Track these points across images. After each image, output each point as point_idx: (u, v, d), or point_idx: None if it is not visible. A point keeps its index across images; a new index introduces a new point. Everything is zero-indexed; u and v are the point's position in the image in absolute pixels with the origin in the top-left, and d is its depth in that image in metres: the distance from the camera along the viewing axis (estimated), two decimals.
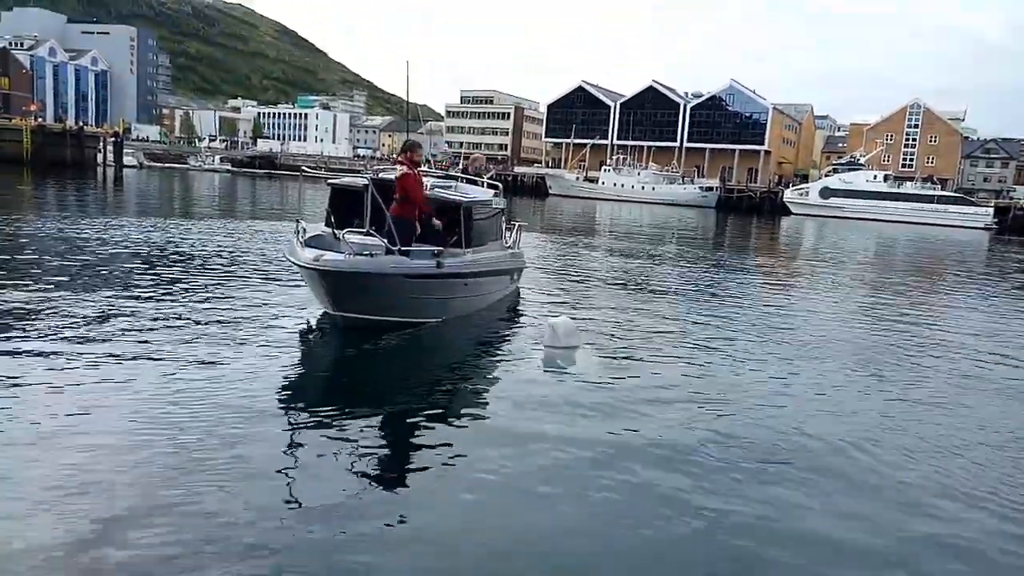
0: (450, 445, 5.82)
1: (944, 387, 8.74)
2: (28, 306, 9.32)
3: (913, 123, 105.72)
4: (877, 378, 8.96)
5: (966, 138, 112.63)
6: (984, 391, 8.69)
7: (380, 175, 10.24)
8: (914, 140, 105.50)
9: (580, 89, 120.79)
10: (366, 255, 8.58)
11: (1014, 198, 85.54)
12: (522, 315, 11.61)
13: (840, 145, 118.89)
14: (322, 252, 8.56)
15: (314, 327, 9.40)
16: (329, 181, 10.91)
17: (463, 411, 6.76)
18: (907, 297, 17.50)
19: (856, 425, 6.97)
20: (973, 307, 16.69)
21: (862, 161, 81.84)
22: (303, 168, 13.83)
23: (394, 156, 10.96)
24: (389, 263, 8.70)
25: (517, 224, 14.31)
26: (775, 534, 4.71)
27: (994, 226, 68.97)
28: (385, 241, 8.81)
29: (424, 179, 10.47)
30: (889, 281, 21.14)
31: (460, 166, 43.95)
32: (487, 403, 7.10)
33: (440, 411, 6.72)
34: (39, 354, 7.31)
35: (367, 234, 8.84)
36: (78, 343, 7.79)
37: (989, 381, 9.19)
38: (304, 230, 9.38)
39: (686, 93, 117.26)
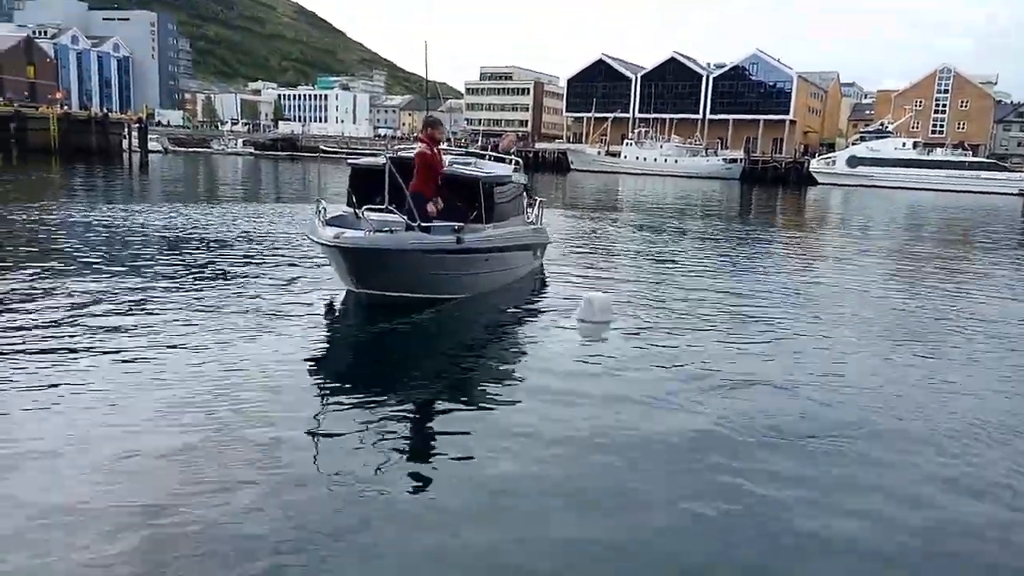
0: (483, 420, 5.84)
1: (986, 359, 8.57)
2: (56, 293, 9.46)
3: (943, 88, 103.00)
4: (923, 354, 8.79)
5: (999, 102, 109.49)
6: None
7: (399, 153, 10.27)
8: (944, 106, 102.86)
9: (600, 62, 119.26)
10: (386, 231, 8.64)
11: None
12: (548, 290, 11.57)
13: (867, 113, 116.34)
14: (343, 230, 8.66)
15: (338, 306, 9.48)
16: (349, 161, 11.01)
17: (496, 387, 6.75)
18: (944, 266, 17.15)
19: (903, 403, 6.84)
20: (1011, 276, 16.31)
21: (890, 128, 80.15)
22: (321, 148, 13.94)
23: (415, 135, 10.95)
24: (408, 239, 8.75)
25: (539, 200, 14.24)
26: (817, 515, 4.64)
27: None
28: (405, 218, 8.84)
29: (445, 157, 10.50)
30: (923, 250, 20.72)
31: (479, 143, 43.82)
32: (521, 379, 7.07)
33: (472, 387, 6.74)
34: (63, 338, 7.42)
35: (386, 211, 8.89)
36: (105, 328, 7.89)
37: None
38: (325, 209, 9.45)
39: (708, 64, 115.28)
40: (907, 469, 5.32)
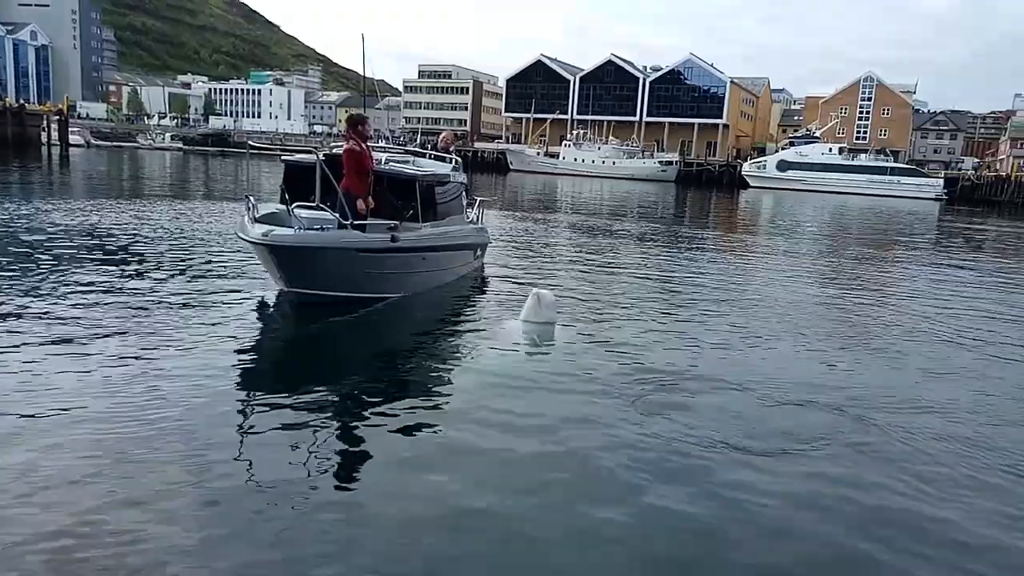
0: (416, 427, 5.67)
1: (908, 348, 8.87)
2: None
3: (867, 96, 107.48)
4: (850, 347, 9.04)
5: (917, 111, 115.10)
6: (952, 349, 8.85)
7: (333, 150, 10.04)
8: (867, 113, 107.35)
9: (539, 63, 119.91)
10: (316, 229, 8.43)
11: (962, 169, 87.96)
12: (488, 290, 11.46)
13: (796, 118, 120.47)
14: (272, 227, 8.45)
15: (270, 306, 9.20)
16: (283, 158, 10.77)
17: (432, 391, 6.59)
18: (866, 265, 17.78)
19: (842, 395, 6.98)
20: (928, 272, 17.04)
21: (817, 134, 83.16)
22: (250, 143, 13.56)
23: (342, 132, 10.73)
24: (340, 237, 8.57)
25: (479, 199, 14.12)
26: (757, 520, 4.65)
27: (944, 196, 70.83)
28: (337, 216, 8.62)
29: (379, 154, 10.37)
30: (848, 251, 21.48)
31: (417, 142, 43.42)
32: (456, 379, 6.94)
33: (404, 392, 6.55)
34: None
35: (318, 209, 8.68)
36: (26, 330, 7.41)
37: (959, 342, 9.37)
38: (255, 206, 9.20)
39: (645, 67, 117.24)
40: (856, 469, 5.39)
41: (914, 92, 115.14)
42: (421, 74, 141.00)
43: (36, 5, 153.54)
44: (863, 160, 78.54)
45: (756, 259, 18.49)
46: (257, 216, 9.10)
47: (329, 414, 5.82)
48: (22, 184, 28.33)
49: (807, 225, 32.90)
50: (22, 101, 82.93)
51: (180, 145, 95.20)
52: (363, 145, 9.39)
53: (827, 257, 19.72)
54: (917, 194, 70.79)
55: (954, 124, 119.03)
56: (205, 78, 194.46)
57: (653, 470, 5.09)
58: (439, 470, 4.93)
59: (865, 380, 7.58)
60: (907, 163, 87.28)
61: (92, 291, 9.35)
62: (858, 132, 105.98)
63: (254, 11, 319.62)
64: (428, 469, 4.94)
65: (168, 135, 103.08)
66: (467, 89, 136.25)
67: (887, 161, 79.46)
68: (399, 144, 31.12)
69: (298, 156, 10.92)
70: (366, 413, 5.95)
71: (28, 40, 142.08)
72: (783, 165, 78.42)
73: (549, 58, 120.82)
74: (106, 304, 8.70)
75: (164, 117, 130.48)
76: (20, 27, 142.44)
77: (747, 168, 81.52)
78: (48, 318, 7.93)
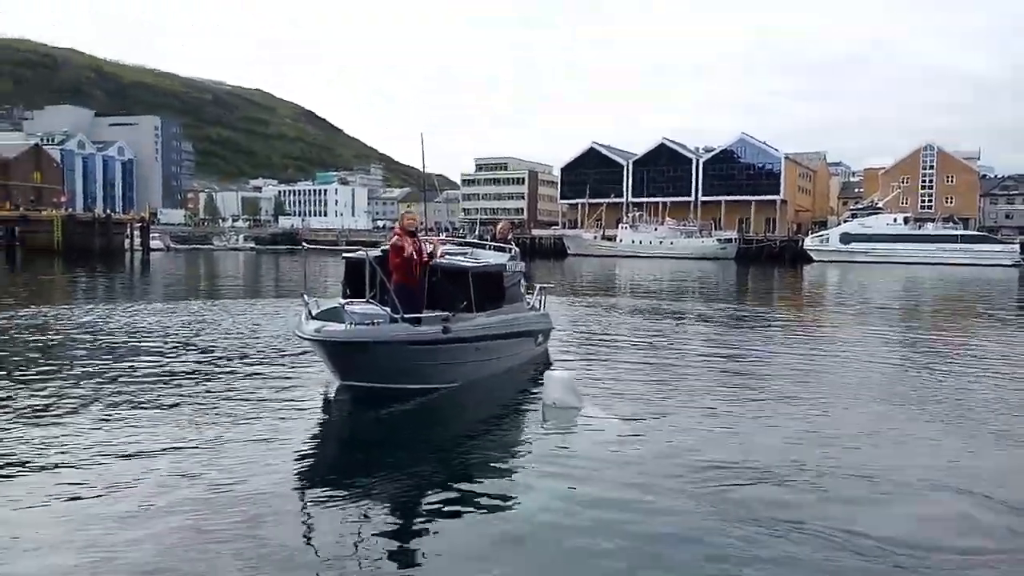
0: (458, 514, 5.74)
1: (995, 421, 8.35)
2: (53, 393, 9.32)
3: (928, 165, 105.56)
4: (931, 434, 8.58)
5: (983, 176, 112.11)
6: None
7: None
8: (931, 181, 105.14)
9: (592, 151, 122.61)
10: (367, 324, 8.66)
11: None
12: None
13: (856, 190, 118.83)
14: (325, 324, 8.82)
15: (331, 398, 9.47)
16: (344, 255, 11.13)
17: (483, 479, 6.59)
18: (949, 338, 17.01)
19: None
20: (1018, 341, 16.16)
21: (880, 205, 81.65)
22: (304, 240, 14.34)
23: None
24: (388, 331, 8.79)
25: (539, 286, 14.26)
26: None
27: (1022, 262, 67.90)
28: (388, 310, 8.82)
29: (439, 247, 10.78)
30: (927, 324, 20.63)
31: (476, 232, 44.61)
32: (510, 470, 6.92)
33: (456, 481, 6.52)
34: (62, 437, 7.27)
35: (368, 303, 9.00)
36: (102, 425, 7.75)
37: None
38: (314, 302, 9.65)
39: (697, 148, 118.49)
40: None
41: (978, 158, 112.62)
42: (478, 167, 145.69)
43: (124, 125, 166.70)
44: (931, 229, 76.40)
45: (834, 336, 17.92)
46: (315, 313, 9.47)
47: (376, 506, 5.88)
48: (106, 289, 30.03)
49: (881, 297, 31.85)
50: (108, 211, 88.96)
51: (252, 245, 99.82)
52: (407, 239, 9.62)
53: (910, 331, 18.97)
54: (992, 261, 68.02)
55: None
56: (275, 181, 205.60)
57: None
58: (492, 560, 4.87)
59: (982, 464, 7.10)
60: (978, 230, 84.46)
61: (162, 386, 9.77)
62: (922, 201, 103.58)
63: (319, 117, 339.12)
64: (482, 559, 4.89)
65: (241, 236, 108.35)
66: (523, 179, 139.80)
67: (957, 229, 77.10)
68: (458, 235, 31.96)
69: (358, 253, 11.33)
70: (423, 501, 5.99)
71: (116, 156, 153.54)
72: (846, 238, 76.85)
73: (602, 145, 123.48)
74: (174, 398, 9.11)
75: (237, 219, 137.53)
76: (109, 145, 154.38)
77: (809, 242, 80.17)
78: (120, 410, 8.33)
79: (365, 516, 5.63)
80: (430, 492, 6.19)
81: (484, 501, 6.00)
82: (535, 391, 10.34)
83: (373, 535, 5.27)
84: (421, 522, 5.64)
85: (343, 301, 9.63)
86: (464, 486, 6.32)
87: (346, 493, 6.09)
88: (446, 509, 5.82)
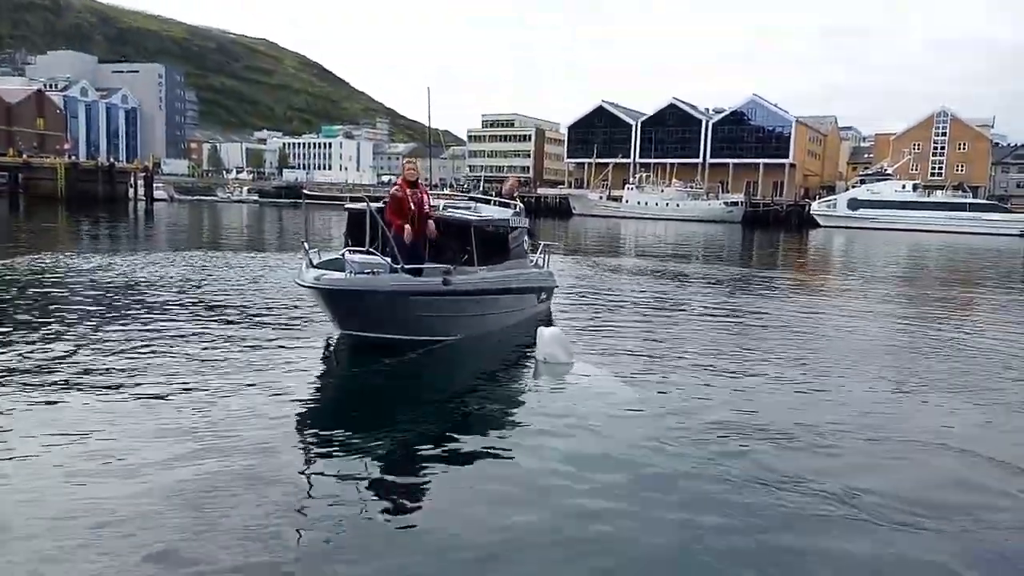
0: (457, 464, 5.82)
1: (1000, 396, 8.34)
2: (54, 340, 9.34)
3: (940, 131, 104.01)
4: (936, 401, 8.57)
5: (996, 144, 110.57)
6: None
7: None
8: (942, 148, 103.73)
9: (600, 109, 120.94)
10: (367, 273, 8.62)
11: None
12: None
13: (866, 156, 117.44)
14: (324, 272, 8.79)
15: (332, 348, 9.54)
16: (346, 206, 11.09)
17: (481, 431, 6.61)
18: (954, 307, 16.94)
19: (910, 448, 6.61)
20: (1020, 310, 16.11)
21: (890, 171, 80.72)
22: (304, 193, 14.24)
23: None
24: (389, 281, 8.73)
25: (543, 244, 14.18)
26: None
27: None
28: (389, 260, 8.77)
29: (439, 200, 10.68)
30: (933, 292, 20.55)
31: (480, 189, 44.22)
32: (509, 423, 6.95)
33: (453, 433, 6.53)
34: (65, 388, 7.29)
35: (369, 253, 8.93)
36: (104, 374, 7.78)
37: None
38: (315, 252, 9.67)
39: (707, 109, 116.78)
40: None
41: (992, 126, 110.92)
42: (484, 123, 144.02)
43: (127, 72, 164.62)
44: (940, 197, 75.67)
45: (835, 301, 17.86)
46: (316, 262, 9.45)
47: (371, 458, 5.88)
48: (110, 237, 30.00)
49: (886, 264, 31.69)
50: (112, 160, 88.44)
51: (256, 198, 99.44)
52: (406, 190, 9.49)
53: (915, 297, 18.90)
54: (1000, 230, 67.52)
55: None
56: (279, 133, 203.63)
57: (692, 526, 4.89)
58: (493, 500, 4.90)
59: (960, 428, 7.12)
60: (988, 199, 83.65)
61: (162, 336, 9.79)
62: (933, 168, 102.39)
63: (326, 69, 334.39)
64: (479, 500, 4.92)
65: (245, 188, 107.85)
66: (529, 137, 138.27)
67: (966, 197, 76.34)
68: (463, 191, 31.76)
69: (359, 204, 11.22)
70: (419, 453, 6.01)
71: (119, 104, 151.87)
72: (854, 203, 76.21)
73: (610, 103, 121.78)
74: (176, 347, 9.11)
75: (241, 171, 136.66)
76: (112, 92, 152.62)
77: (816, 207, 79.57)
78: (122, 360, 8.30)
79: (359, 467, 5.66)
80: (422, 446, 6.16)
81: (474, 454, 6.03)
82: (534, 347, 10.36)
83: (366, 488, 5.30)
84: (413, 475, 5.65)
85: (345, 251, 9.59)
86: (456, 438, 6.35)
87: (341, 443, 6.13)
88: (438, 463, 5.83)
